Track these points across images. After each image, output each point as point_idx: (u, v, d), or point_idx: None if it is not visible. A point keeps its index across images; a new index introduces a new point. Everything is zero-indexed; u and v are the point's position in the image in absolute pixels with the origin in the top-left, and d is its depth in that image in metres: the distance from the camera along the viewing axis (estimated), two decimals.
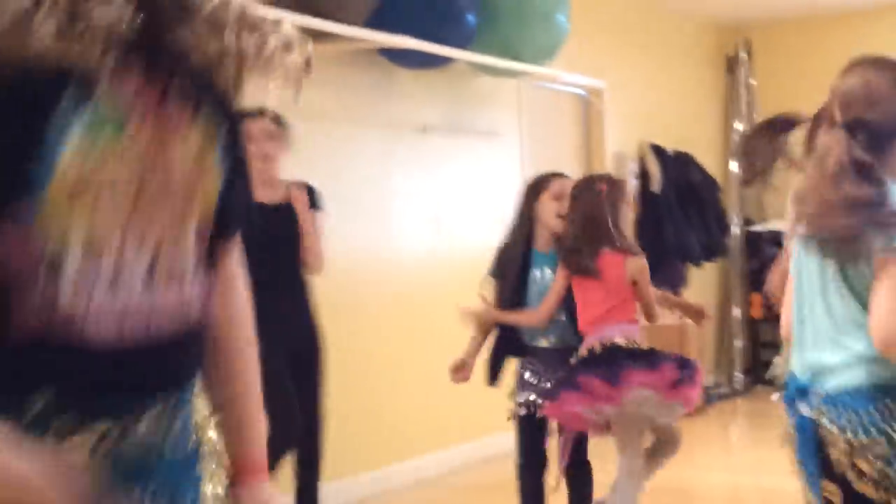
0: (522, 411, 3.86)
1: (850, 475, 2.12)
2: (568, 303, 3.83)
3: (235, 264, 1.47)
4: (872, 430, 2.09)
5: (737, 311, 8.46)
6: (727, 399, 7.88)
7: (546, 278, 3.90)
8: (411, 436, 5.56)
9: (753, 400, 7.92)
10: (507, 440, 4.15)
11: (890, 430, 2.09)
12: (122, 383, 1.28)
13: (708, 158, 8.25)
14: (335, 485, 4.99)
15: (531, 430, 3.88)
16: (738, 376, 8.27)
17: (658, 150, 7.66)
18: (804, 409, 2.19)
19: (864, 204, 2.06)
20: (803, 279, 2.23)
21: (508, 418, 3.94)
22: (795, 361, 2.26)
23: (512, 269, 3.92)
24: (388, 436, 5.45)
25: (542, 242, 3.92)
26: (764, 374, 8.30)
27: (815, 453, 2.17)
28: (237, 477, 1.45)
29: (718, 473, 5.65)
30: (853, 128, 2.13)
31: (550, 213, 3.87)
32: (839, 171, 2.08)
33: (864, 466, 2.12)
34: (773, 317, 8.92)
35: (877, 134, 2.11)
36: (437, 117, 5.88)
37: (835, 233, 2.10)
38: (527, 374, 3.89)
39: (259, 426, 1.49)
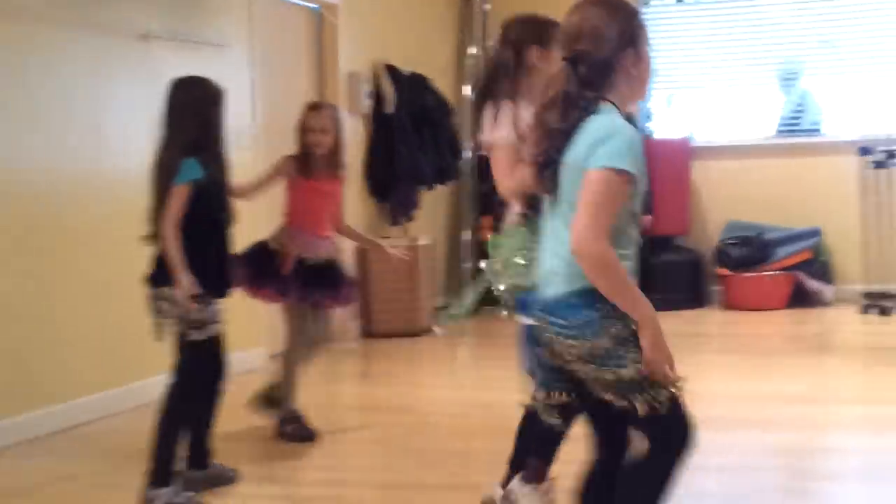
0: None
1: (572, 373, 2.33)
2: None
3: None
4: (577, 332, 2.28)
5: (467, 235, 8.59)
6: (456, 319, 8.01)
7: None
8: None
9: (481, 321, 8.08)
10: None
11: (593, 333, 2.27)
12: None
13: (442, 82, 8.27)
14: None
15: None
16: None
17: (392, 72, 7.59)
18: (525, 318, 2.40)
19: (560, 132, 2.31)
20: (548, 201, 2.42)
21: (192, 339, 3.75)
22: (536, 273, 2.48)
23: None
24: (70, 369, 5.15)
25: None
26: (491, 295, 8.48)
27: (537, 356, 2.38)
28: None
29: (444, 391, 5.73)
30: (574, 61, 2.32)
31: None
32: (552, 101, 2.33)
33: (574, 366, 2.31)
34: None
35: (595, 65, 2.30)
36: (158, 24, 5.55)
37: (539, 157, 2.36)
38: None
39: None
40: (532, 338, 2.40)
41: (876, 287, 7.59)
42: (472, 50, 8.77)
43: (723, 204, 8.40)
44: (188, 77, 3.90)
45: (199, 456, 3.91)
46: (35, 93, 4.86)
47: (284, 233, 4.59)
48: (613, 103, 2.33)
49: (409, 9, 8.17)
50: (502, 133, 3.13)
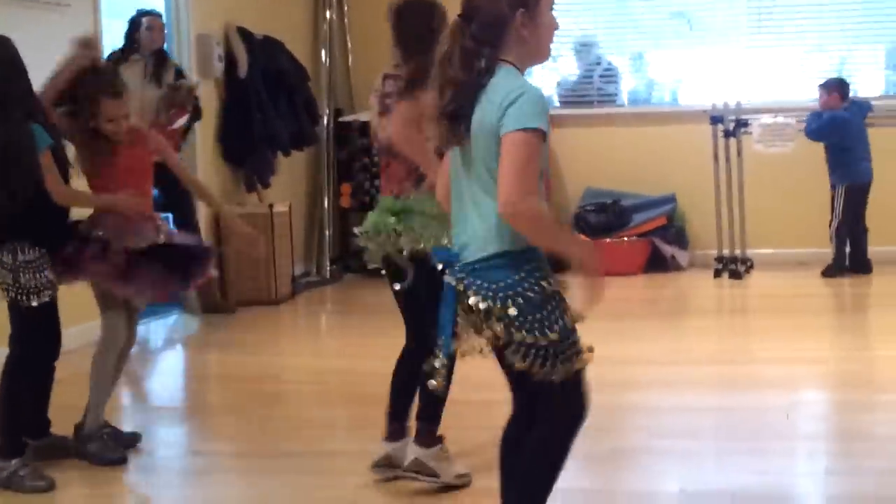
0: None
1: (488, 335, 2.37)
2: None
3: None
4: (500, 297, 2.32)
5: (326, 201, 8.45)
6: (316, 287, 7.89)
7: None
8: None
9: (342, 288, 8.00)
10: None
11: (514, 298, 2.31)
12: None
13: (297, 46, 8.08)
14: None
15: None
16: (327, 265, 8.30)
17: (245, 34, 7.37)
18: (449, 279, 2.41)
19: (463, 84, 2.33)
20: (456, 156, 2.42)
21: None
22: (452, 236, 2.49)
23: None
24: None
25: None
26: (352, 262, 8.39)
27: (454, 317, 2.41)
28: None
29: (306, 358, 5.63)
30: (468, 17, 2.36)
31: None
32: (448, 56, 2.36)
33: (496, 329, 2.35)
34: (360, 206, 9.04)
35: (487, 22, 2.33)
36: None
37: (447, 108, 2.36)
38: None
39: None
40: (451, 299, 2.41)
41: (728, 252, 7.78)
42: (328, 14, 8.61)
43: (580, 171, 8.47)
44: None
45: (38, 426, 3.76)
46: None
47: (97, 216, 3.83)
48: (513, 64, 2.35)
49: None
50: None
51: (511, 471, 2.50)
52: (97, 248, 3.66)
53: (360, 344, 5.89)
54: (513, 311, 2.31)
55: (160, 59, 6.40)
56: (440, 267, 2.49)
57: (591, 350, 2.45)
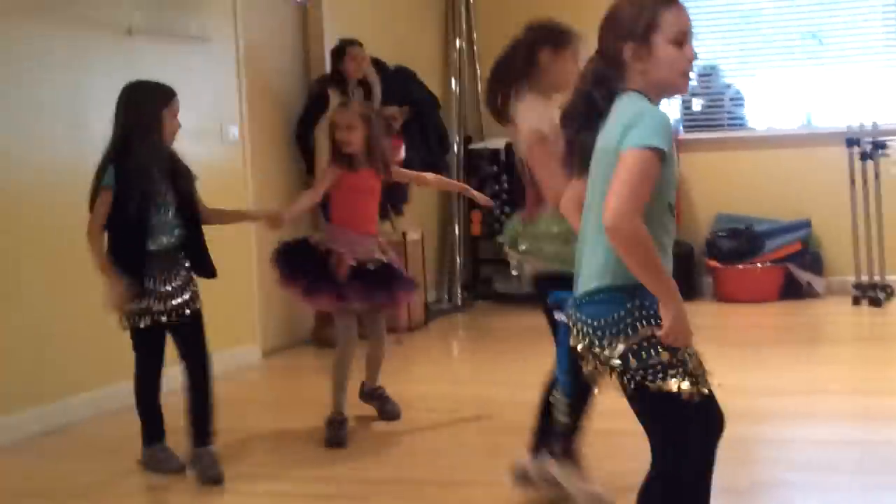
0: (145, 321, 3.98)
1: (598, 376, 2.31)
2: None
3: None
4: (598, 335, 2.25)
5: (457, 229, 8.55)
6: (448, 314, 7.97)
7: None
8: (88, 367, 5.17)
9: (473, 315, 8.07)
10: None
11: (621, 336, 2.23)
12: None
13: (429, 75, 8.22)
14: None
15: (154, 340, 4.05)
16: (459, 292, 8.38)
17: (379, 65, 7.53)
18: (561, 316, 2.39)
19: (580, 116, 2.35)
20: (590, 185, 2.37)
21: (123, 328, 4.02)
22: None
23: None
24: (62, 367, 5.04)
25: None
26: (483, 289, 8.46)
27: (568, 355, 2.38)
28: None
29: (439, 385, 5.69)
30: (599, 51, 2.38)
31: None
32: (583, 82, 2.37)
33: (597, 364, 2.29)
34: (490, 234, 9.10)
35: (606, 57, 2.34)
36: (142, 19, 5.48)
37: (565, 141, 2.41)
38: (146, 282, 3.96)
39: None
40: (564, 335, 2.38)
41: (867, 278, 7.57)
42: (458, 43, 8.72)
43: (711, 196, 8.37)
44: (131, 82, 4.08)
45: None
46: (16, 87, 4.80)
47: (330, 231, 4.58)
48: (639, 91, 2.31)
49: (393, 2, 8.11)
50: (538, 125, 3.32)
51: None
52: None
53: (493, 371, 5.92)
54: (613, 348, 2.24)
55: (365, 88, 6.62)
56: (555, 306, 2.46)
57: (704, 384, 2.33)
